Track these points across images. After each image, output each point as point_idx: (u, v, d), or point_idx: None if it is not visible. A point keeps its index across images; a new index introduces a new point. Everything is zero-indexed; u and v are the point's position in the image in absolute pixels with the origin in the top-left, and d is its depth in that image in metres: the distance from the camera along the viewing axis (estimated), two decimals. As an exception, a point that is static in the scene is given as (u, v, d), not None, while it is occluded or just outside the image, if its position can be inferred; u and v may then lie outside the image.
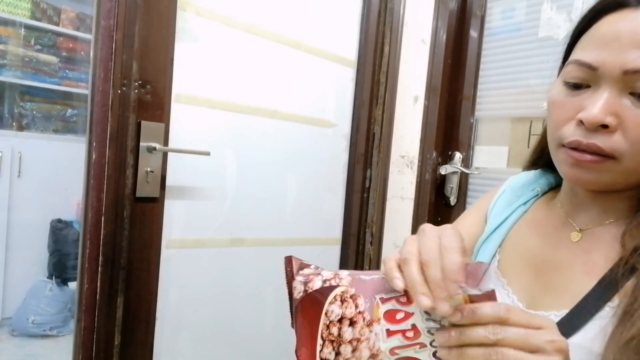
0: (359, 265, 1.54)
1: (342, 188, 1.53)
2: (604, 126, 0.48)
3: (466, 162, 1.47)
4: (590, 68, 0.50)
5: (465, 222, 0.75)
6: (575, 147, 0.51)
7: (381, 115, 1.51)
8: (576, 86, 0.52)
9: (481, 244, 0.67)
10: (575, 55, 0.53)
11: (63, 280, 2.55)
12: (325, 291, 0.48)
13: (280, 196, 1.38)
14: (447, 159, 1.49)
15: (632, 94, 0.48)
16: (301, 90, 1.38)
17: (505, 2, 1.43)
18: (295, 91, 1.37)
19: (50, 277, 2.56)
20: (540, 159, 0.69)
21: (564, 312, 0.52)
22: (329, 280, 0.49)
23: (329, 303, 0.47)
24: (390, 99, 1.50)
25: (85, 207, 0.99)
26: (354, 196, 1.52)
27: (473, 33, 1.47)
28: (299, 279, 0.51)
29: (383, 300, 0.46)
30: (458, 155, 1.47)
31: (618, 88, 0.49)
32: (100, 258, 1.00)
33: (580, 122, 0.50)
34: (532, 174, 0.72)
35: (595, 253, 0.54)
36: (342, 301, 0.47)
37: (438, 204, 1.49)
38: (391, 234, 1.54)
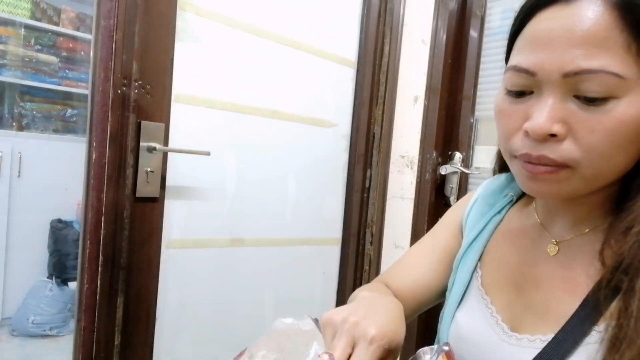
0: (358, 265, 1.54)
1: (342, 188, 1.53)
2: (553, 135, 0.45)
3: (466, 162, 1.47)
4: (529, 73, 0.46)
5: (440, 238, 0.72)
6: (527, 161, 0.47)
7: (381, 115, 1.51)
8: (519, 94, 0.48)
9: (460, 259, 0.65)
10: (513, 60, 0.49)
11: (63, 280, 2.55)
12: None
13: (280, 196, 1.38)
14: (447, 159, 1.49)
15: (576, 96, 0.44)
16: (301, 90, 1.38)
17: (505, 2, 1.43)
18: (295, 91, 1.37)
19: (50, 277, 2.55)
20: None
21: (550, 337, 0.49)
22: None
23: None
24: (390, 99, 1.50)
25: (85, 207, 0.99)
26: (354, 196, 1.52)
27: (473, 33, 1.46)
28: None
29: None
30: (458, 155, 1.47)
31: (561, 92, 0.45)
32: (100, 258, 1.00)
33: (528, 133, 0.47)
34: (504, 177, 0.68)
35: (576, 269, 0.51)
36: None
37: (438, 204, 1.49)
38: (391, 234, 1.53)
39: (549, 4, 0.46)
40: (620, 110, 0.43)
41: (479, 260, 0.62)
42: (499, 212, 0.64)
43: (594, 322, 0.47)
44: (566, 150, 0.45)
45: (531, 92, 0.48)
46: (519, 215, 0.62)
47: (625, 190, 0.49)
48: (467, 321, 0.59)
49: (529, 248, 0.57)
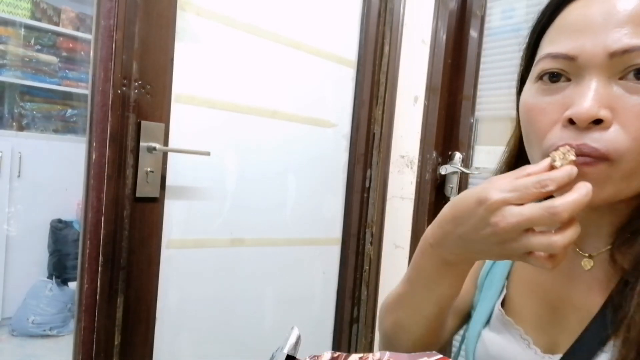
0: (358, 265, 1.54)
1: (342, 188, 1.53)
2: (597, 122, 0.41)
3: (466, 162, 1.47)
4: (568, 58, 0.43)
5: None
6: None
7: (381, 115, 1.51)
8: (554, 76, 0.45)
9: (484, 278, 0.61)
10: (546, 49, 0.46)
11: (63, 280, 2.55)
12: None
13: (280, 196, 1.38)
14: (447, 159, 1.49)
15: (622, 79, 0.41)
16: (301, 90, 1.38)
17: (505, 2, 1.43)
18: (295, 91, 1.37)
19: (50, 277, 2.55)
20: None
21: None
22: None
23: None
24: (390, 99, 1.50)
25: (85, 207, 0.99)
26: (354, 196, 1.52)
27: (473, 33, 1.46)
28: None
29: None
30: (458, 155, 1.47)
31: (605, 76, 0.41)
32: (100, 258, 1.00)
33: (569, 122, 0.42)
34: None
35: (613, 282, 0.46)
36: None
37: (438, 204, 1.48)
38: (391, 234, 1.53)
39: None
40: None
41: (507, 278, 0.59)
42: None
43: (609, 336, 0.44)
44: (612, 138, 0.40)
45: (567, 81, 0.44)
46: None
47: None
48: (496, 341, 0.56)
49: (561, 267, 0.53)
